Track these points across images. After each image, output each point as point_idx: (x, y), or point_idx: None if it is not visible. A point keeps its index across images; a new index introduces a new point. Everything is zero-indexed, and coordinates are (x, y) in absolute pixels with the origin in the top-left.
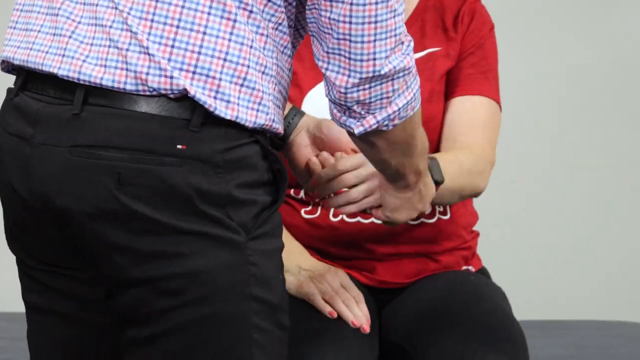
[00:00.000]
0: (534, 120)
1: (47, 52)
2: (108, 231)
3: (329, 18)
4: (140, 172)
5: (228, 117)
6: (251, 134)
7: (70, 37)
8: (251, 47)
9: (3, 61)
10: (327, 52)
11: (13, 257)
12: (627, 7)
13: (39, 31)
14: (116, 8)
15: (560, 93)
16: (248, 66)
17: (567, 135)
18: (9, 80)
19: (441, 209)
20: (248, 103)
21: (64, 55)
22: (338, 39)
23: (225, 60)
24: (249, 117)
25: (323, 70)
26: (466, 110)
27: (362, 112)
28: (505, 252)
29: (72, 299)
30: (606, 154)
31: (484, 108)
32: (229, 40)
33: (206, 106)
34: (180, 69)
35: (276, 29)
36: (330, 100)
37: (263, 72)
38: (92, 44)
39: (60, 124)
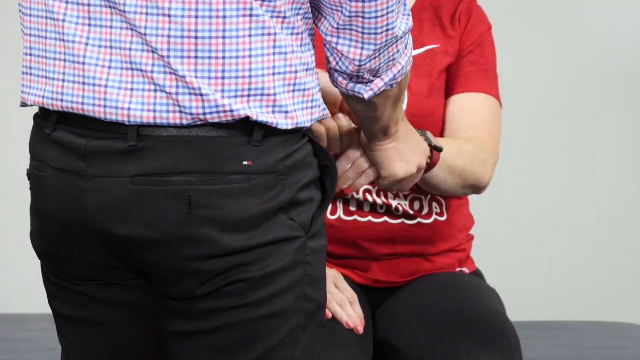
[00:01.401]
0: (527, 122)
1: (83, 103)
2: (176, 257)
3: None
4: (210, 193)
5: (290, 128)
6: (304, 134)
7: (106, 85)
8: (293, 52)
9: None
10: (337, 28)
11: (9, 260)
12: (624, 2)
13: (63, 80)
14: (154, 52)
15: (554, 97)
16: (296, 71)
17: (562, 136)
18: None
19: (438, 210)
20: (303, 105)
21: (105, 106)
22: (350, 16)
23: (274, 74)
24: (305, 117)
25: (333, 45)
26: (468, 108)
27: (371, 77)
28: (502, 253)
29: (121, 308)
30: (603, 155)
31: (486, 105)
32: (274, 54)
33: (268, 124)
34: (236, 96)
35: (304, 17)
36: (336, 71)
37: (307, 70)
38: (132, 89)
39: (116, 156)
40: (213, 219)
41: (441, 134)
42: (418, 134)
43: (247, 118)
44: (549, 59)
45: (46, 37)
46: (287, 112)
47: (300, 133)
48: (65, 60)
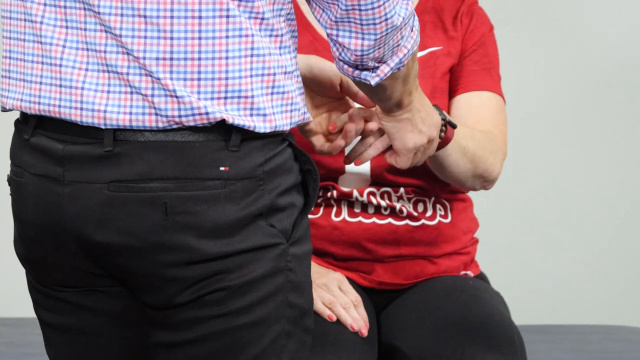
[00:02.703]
0: (532, 125)
1: (59, 106)
2: (153, 264)
3: None
4: (187, 199)
5: (268, 131)
6: (284, 139)
7: (82, 88)
8: (270, 54)
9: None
10: (336, 22)
11: (10, 264)
12: (625, 3)
13: (40, 83)
14: (129, 54)
15: (560, 100)
16: (274, 73)
17: (567, 139)
18: None
19: (442, 212)
20: (281, 108)
21: (82, 109)
22: (347, 9)
23: (251, 76)
24: (284, 121)
25: (333, 37)
26: (474, 105)
27: (376, 64)
28: (506, 256)
29: (105, 315)
30: (608, 158)
31: (492, 102)
32: (251, 56)
33: (246, 128)
34: (212, 98)
35: (287, 19)
36: (341, 60)
37: (285, 73)
38: (108, 92)
39: (92, 161)
40: (190, 225)
41: None
42: (432, 106)
43: (224, 121)
44: (549, 61)
45: (24, 40)
46: (265, 115)
47: (280, 137)
48: (42, 63)
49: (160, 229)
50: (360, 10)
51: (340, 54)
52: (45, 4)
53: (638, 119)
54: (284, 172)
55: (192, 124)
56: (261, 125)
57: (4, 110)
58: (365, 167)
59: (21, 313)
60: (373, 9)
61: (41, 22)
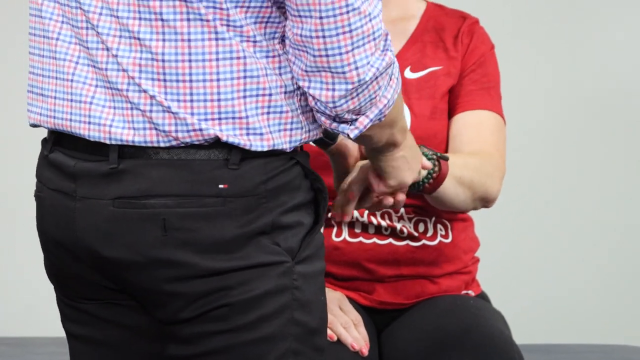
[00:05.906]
0: (532, 143)
1: (70, 120)
2: (155, 279)
3: (301, 35)
4: (185, 216)
5: (266, 149)
6: (291, 157)
7: (91, 102)
8: (266, 75)
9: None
10: (306, 71)
11: (11, 284)
12: (627, 16)
13: (55, 97)
14: (126, 71)
15: (561, 119)
16: (270, 94)
17: (568, 158)
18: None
19: (443, 231)
20: (279, 127)
21: (89, 123)
22: (314, 55)
23: (245, 97)
24: (284, 139)
25: (305, 89)
26: (471, 124)
27: (353, 116)
28: (507, 275)
29: (125, 328)
30: (609, 178)
31: (489, 120)
32: (244, 77)
33: (241, 146)
34: (206, 119)
35: (283, 41)
36: (316, 110)
37: (285, 92)
38: (114, 107)
39: (100, 178)
40: (188, 241)
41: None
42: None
43: (219, 139)
44: (555, 80)
45: (43, 56)
46: (261, 134)
47: (286, 156)
48: (57, 78)
49: (159, 245)
50: (327, 56)
51: (315, 105)
52: (62, 22)
53: None
54: (291, 190)
55: (187, 140)
56: (258, 144)
57: (32, 125)
58: None
59: (22, 332)
60: (341, 54)
61: (57, 39)
